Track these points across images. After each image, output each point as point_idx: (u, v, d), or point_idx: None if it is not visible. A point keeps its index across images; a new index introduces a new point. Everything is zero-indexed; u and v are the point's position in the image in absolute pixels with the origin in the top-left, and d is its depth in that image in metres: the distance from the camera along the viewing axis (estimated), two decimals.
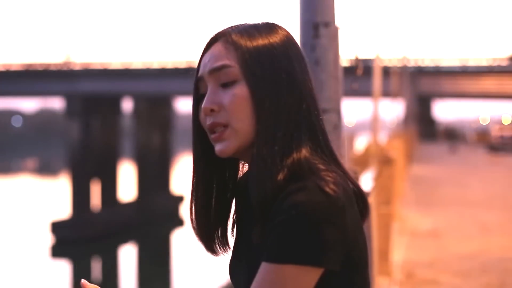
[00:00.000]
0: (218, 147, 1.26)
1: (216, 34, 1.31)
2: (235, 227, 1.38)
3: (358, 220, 1.20)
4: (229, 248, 1.38)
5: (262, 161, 1.20)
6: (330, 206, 1.13)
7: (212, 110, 1.25)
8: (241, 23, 1.32)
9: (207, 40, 1.32)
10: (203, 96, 1.29)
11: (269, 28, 1.30)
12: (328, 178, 1.16)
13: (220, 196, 1.36)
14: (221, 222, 1.37)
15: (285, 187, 1.17)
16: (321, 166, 1.20)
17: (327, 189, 1.14)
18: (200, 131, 1.31)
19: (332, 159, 1.26)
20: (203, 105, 1.26)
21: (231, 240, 1.39)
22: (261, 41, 1.27)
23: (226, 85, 1.25)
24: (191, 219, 1.35)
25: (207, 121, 1.26)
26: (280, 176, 1.18)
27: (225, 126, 1.24)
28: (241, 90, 1.24)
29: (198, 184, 1.34)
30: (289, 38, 1.30)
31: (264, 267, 1.14)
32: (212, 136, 1.26)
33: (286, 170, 1.19)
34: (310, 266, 1.12)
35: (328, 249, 1.12)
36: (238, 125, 1.23)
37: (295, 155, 1.21)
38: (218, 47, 1.28)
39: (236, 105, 1.23)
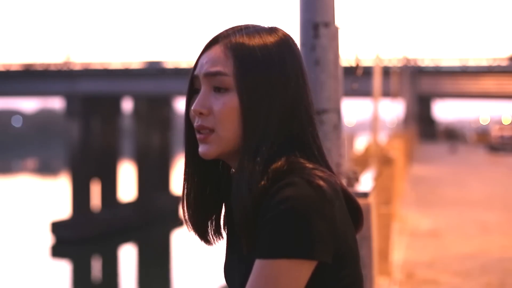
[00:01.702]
0: (201, 149, 1.28)
1: (218, 35, 1.31)
2: (226, 228, 1.38)
3: (347, 215, 1.21)
4: (222, 238, 1.39)
5: (243, 175, 1.21)
6: (319, 199, 1.14)
7: (201, 113, 1.27)
8: (248, 26, 1.31)
9: (209, 39, 1.32)
10: (196, 91, 1.31)
11: (274, 38, 1.28)
12: (315, 174, 1.18)
13: (213, 188, 1.36)
14: (214, 212, 1.37)
15: (270, 189, 1.18)
16: (309, 165, 1.21)
17: (315, 183, 1.16)
18: (191, 124, 1.32)
19: (326, 168, 1.26)
20: (193, 107, 1.27)
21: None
22: (261, 54, 1.26)
23: (218, 90, 1.26)
24: (183, 209, 1.36)
25: (195, 122, 1.28)
26: (262, 183, 1.19)
27: (212, 130, 1.26)
28: (231, 100, 1.25)
29: (190, 175, 1.35)
30: (291, 50, 1.29)
31: (257, 264, 1.14)
32: (197, 136, 1.28)
33: (268, 177, 1.20)
34: (302, 259, 1.12)
35: (318, 242, 1.13)
36: (223, 133, 1.25)
37: (280, 164, 1.22)
38: (217, 51, 1.28)
39: (225, 114, 1.24)
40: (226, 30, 1.31)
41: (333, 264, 1.17)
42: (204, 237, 1.38)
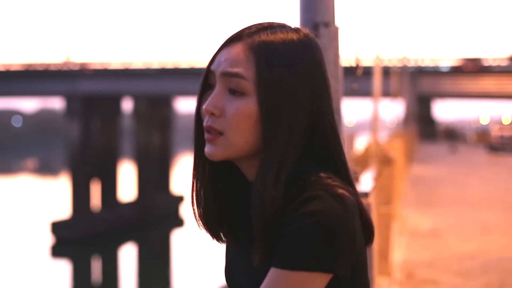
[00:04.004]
0: (207, 149, 1.23)
1: (241, 32, 1.24)
2: (231, 232, 1.34)
3: (361, 225, 1.20)
4: (236, 238, 1.33)
5: (265, 188, 1.17)
6: (343, 214, 1.13)
7: (212, 114, 1.21)
8: (272, 25, 1.25)
9: (231, 34, 1.25)
10: (210, 87, 1.26)
11: (296, 37, 1.23)
12: (337, 187, 1.17)
13: (226, 186, 1.32)
14: (226, 211, 1.33)
15: (292, 202, 1.15)
16: (328, 177, 1.19)
17: (338, 197, 1.14)
18: (202, 120, 1.27)
19: (346, 181, 1.23)
20: (204, 106, 1.22)
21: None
22: (283, 53, 1.20)
23: (234, 92, 1.20)
24: (193, 208, 1.31)
25: (205, 121, 1.23)
26: (283, 197, 1.17)
27: (220, 133, 1.21)
28: (248, 106, 1.19)
29: (200, 172, 1.31)
30: (312, 51, 1.24)
31: (274, 272, 1.13)
32: (205, 135, 1.23)
33: (289, 190, 1.17)
34: (321, 272, 1.12)
35: (340, 256, 1.12)
36: (233, 138, 1.20)
37: (302, 177, 1.19)
38: (238, 50, 1.22)
39: (238, 119, 1.19)
40: (250, 28, 1.24)
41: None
42: (216, 236, 1.34)
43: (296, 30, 1.25)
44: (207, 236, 1.35)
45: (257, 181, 1.19)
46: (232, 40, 1.24)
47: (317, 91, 1.23)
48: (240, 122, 1.19)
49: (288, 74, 1.20)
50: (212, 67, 1.24)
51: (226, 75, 1.21)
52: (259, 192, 1.18)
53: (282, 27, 1.24)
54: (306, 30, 1.26)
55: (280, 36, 1.22)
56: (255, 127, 1.20)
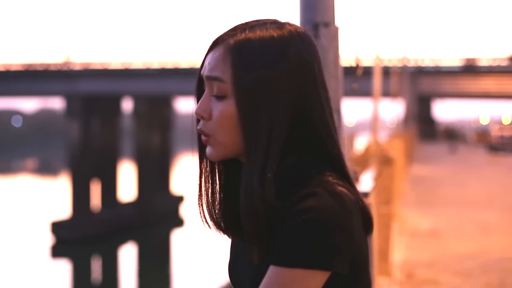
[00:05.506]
0: (207, 151, 1.26)
1: (222, 34, 1.25)
2: (237, 228, 1.34)
3: (361, 223, 1.20)
4: (241, 234, 1.32)
5: (252, 189, 1.18)
6: (340, 211, 1.13)
7: (202, 117, 1.24)
8: (254, 24, 1.23)
9: (214, 38, 1.26)
10: (203, 91, 1.27)
11: (277, 33, 1.21)
12: (335, 184, 1.17)
13: (234, 183, 1.32)
14: (233, 208, 1.32)
15: (287, 200, 1.15)
16: (326, 173, 1.19)
17: (336, 194, 1.14)
18: None
19: (343, 176, 1.23)
20: (194, 110, 1.25)
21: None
22: (260, 50, 1.19)
23: (217, 97, 1.22)
24: (200, 206, 1.31)
25: (198, 125, 1.26)
26: (275, 195, 1.17)
27: (210, 136, 1.23)
28: (228, 108, 1.20)
29: (208, 170, 1.32)
30: (297, 45, 1.21)
31: (272, 270, 1.13)
32: (202, 138, 1.26)
33: (281, 189, 1.17)
34: (319, 270, 1.12)
35: (337, 253, 1.12)
36: (222, 139, 1.22)
37: (294, 175, 1.19)
38: (217, 53, 1.22)
39: (222, 122, 1.21)
40: (232, 29, 1.24)
41: (348, 272, 1.16)
42: (222, 230, 1.34)
43: (280, 26, 1.23)
44: (210, 232, 1.35)
45: (243, 182, 1.20)
46: (216, 43, 1.25)
47: (304, 87, 1.21)
48: (224, 125, 1.21)
49: (266, 72, 1.19)
50: (202, 72, 1.27)
51: (208, 79, 1.23)
52: (246, 193, 1.18)
53: (263, 24, 1.23)
54: (292, 26, 1.24)
55: (258, 34, 1.21)
56: (238, 127, 1.21)
